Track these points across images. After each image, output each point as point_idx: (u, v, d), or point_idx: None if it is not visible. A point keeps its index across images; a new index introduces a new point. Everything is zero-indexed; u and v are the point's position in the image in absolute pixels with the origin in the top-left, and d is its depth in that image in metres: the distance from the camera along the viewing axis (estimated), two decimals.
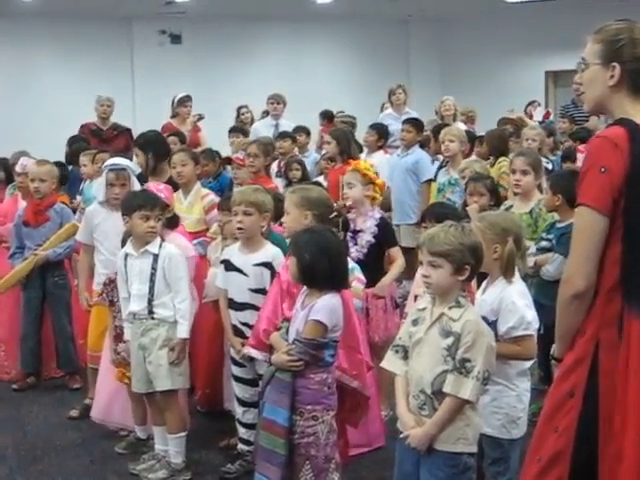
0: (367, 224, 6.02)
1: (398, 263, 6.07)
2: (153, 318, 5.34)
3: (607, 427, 3.08)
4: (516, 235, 4.33)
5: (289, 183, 8.29)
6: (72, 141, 10.01)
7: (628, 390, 3.05)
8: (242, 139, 9.85)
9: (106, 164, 6.41)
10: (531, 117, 13.48)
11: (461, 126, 10.57)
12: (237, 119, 12.68)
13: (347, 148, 8.30)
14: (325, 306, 4.27)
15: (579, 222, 3.15)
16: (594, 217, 3.06)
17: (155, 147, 7.10)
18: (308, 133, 10.87)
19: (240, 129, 10.85)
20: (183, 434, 5.46)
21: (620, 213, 3.05)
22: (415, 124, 9.54)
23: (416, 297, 4.16)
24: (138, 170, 6.79)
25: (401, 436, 3.85)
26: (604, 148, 3.07)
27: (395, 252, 6.13)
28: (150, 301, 5.32)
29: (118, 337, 5.68)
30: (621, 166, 3.03)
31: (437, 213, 5.14)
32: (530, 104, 13.97)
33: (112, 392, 5.96)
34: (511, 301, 4.18)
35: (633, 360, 3.05)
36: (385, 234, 6.08)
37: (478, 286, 4.45)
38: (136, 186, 6.38)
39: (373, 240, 5.98)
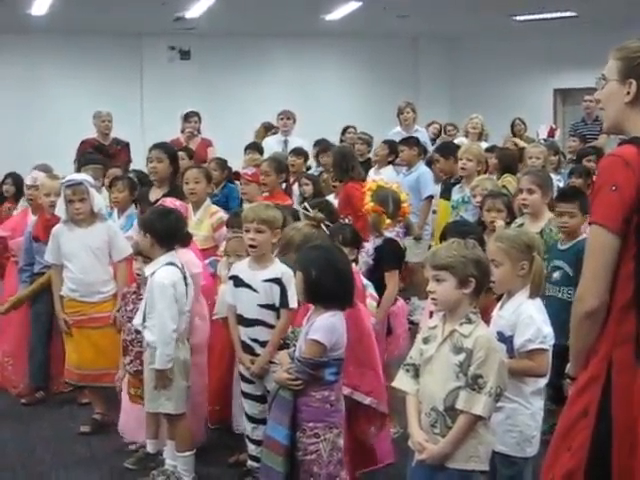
0: (367, 246, 6.03)
1: (387, 291, 5.93)
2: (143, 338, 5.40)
3: (621, 447, 3.06)
4: (539, 250, 4.36)
5: (303, 199, 8.30)
6: (79, 158, 9.99)
7: None
8: (252, 156, 9.89)
9: (63, 181, 6.48)
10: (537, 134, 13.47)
11: (484, 145, 10.55)
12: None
13: (338, 168, 8.39)
14: (324, 325, 4.27)
15: (591, 240, 3.15)
16: (605, 235, 3.06)
17: (178, 163, 7.39)
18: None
19: (255, 145, 10.84)
20: (189, 453, 5.44)
21: (633, 231, 3.05)
22: (407, 143, 9.67)
23: (432, 313, 4.15)
24: (95, 182, 6.93)
25: (418, 458, 3.82)
26: (615, 166, 3.07)
27: (387, 277, 5.99)
28: (144, 320, 5.34)
29: (125, 350, 5.72)
30: (632, 184, 3.03)
31: (458, 231, 5.12)
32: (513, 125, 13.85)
33: (128, 407, 5.97)
34: (528, 314, 4.19)
35: None
36: (383, 257, 6.03)
37: None
38: (96, 199, 6.48)
39: (371, 262, 5.97)
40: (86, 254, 6.43)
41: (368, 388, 4.68)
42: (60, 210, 6.45)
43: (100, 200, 6.61)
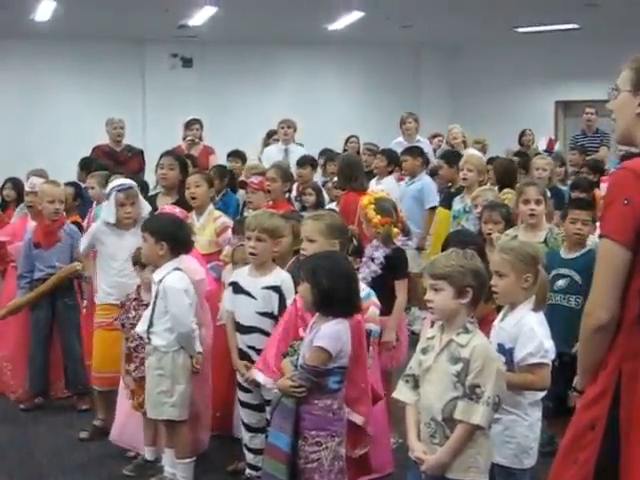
0: (375, 254, 6.03)
1: (399, 300, 5.99)
2: (150, 344, 5.39)
3: (629, 463, 3.01)
4: (543, 263, 4.35)
5: (303, 208, 8.31)
6: (84, 163, 10.00)
7: None
8: (234, 164, 9.97)
9: (113, 185, 6.55)
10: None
11: (474, 152, 10.54)
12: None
13: (342, 176, 8.39)
14: (329, 332, 4.25)
15: (601, 254, 3.10)
16: (616, 249, 3.01)
17: (187, 171, 7.42)
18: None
19: (237, 153, 10.82)
20: (189, 460, 5.43)
21: None
22: (411, 152, 9.63)
23: (433, 323, 4.15)
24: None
25: (422, 469, 3.80)
26: (627, 179, 3.03)
27: (398, 285, 6.03)
28: (149, 326, 5.34)
29: (129, 357, 5.71)
30: None
31: (459, 240, 5.11)
32: (522, 135, 13.86)
33: (127, 413, 5.95)
34: (530, 327, 4.16)
35: None
36: (393, 266, 6.04)
37: None
38: (144, 204, 6.57)
39: (379, 271, 5.98)
40: (126, 257, 6.44)
41: (362, 407, 4.62)
42: (108, 213, 6.46)
43: (146, 205, 6.68)
